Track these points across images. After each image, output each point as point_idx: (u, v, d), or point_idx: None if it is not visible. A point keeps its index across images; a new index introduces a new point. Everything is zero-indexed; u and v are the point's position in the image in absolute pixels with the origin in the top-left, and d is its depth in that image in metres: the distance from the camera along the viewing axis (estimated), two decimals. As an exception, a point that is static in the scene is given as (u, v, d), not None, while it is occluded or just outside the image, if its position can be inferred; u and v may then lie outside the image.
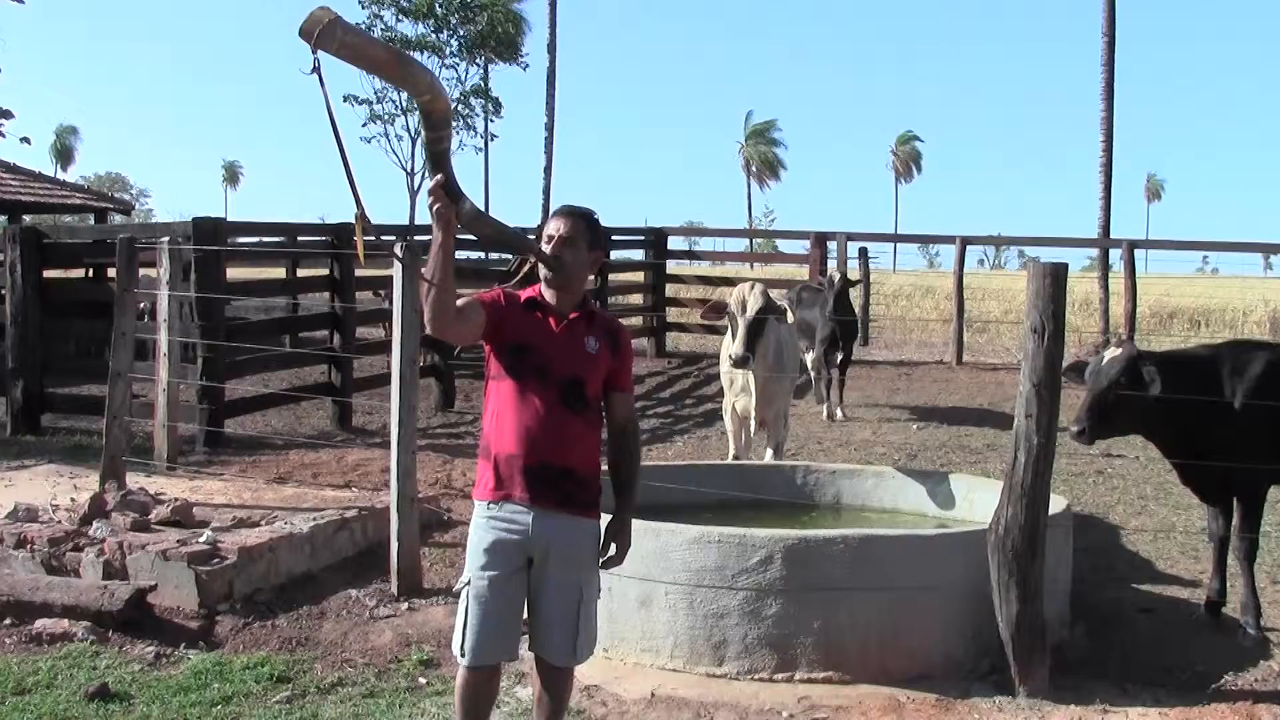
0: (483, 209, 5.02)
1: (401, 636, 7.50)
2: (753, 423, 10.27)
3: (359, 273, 15.42)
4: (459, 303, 4.91)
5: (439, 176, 4.72)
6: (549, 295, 5.18)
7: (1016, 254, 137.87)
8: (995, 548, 6.44)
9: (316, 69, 4.31)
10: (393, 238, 8.92)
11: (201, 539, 8.03)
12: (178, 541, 7.99)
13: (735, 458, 10.39)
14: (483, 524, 5.08)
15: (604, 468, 5.32)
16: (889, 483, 9.05)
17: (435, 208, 4.72)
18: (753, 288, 9.74)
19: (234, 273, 15.69)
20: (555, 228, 5.14)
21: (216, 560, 7.80)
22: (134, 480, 10.12)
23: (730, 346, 9.81)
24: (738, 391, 10.23)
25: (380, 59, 4.59)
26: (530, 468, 5.00)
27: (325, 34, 4.20)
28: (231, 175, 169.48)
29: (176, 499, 9.07)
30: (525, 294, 5.21)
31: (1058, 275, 6.27)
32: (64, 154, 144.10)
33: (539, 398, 5.03)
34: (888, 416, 16.71)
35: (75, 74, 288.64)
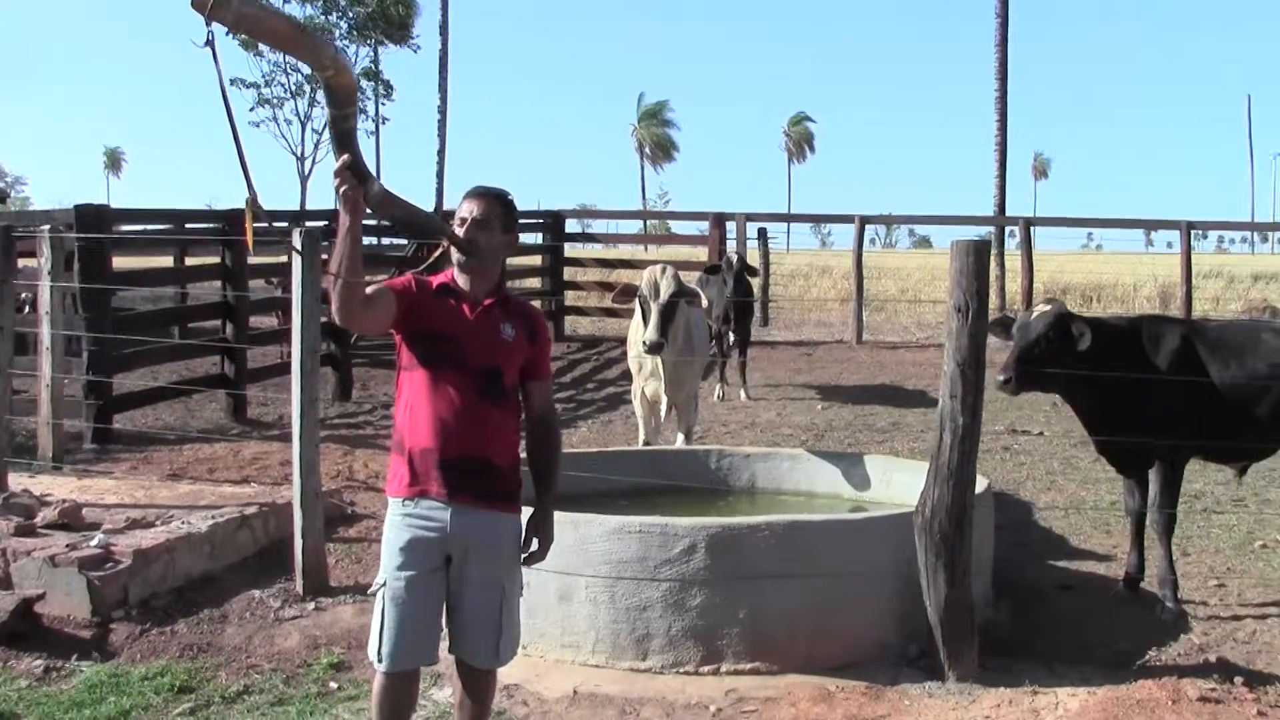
0: (392, 191, 4.74)
1: (309, 639, 7.22)
2: (663, 407, 10.07)
3: (252, 260, 15.01)
4: (368, 291, 4.66)
5: (345, 157, 4.45)
6: (462, 280, 4.93)
7: (907, 233, 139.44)
8: (922, 530, 6.31)
9: (210, 42, 4.04)
10: (285, 224, 8.58)
11: (93, 542, 7.66)
12: (67, 546, 7.61)
13: (646, 443, 10.16)
14: (398, 522, 4.83)
15: (523, 459, 5.09)
16: (804, 465, 8.91)
17: (342, 190, 4.44)
18: (664, 271, 9.50)
19: (120, 262, 15.24)
20: (468, 210, 4.89)
21: (110, 564, 7.44)
22: (17, 481, 9.70)
23: (640, 331, 9.58)
24: (647, 375, 10.00)
25: (280, 31, 4.33)
26: (447, 461, 4.77)
27: (220, 4, 3.93)
28: (114, 162, 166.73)
29: (64, 500, 8.68)
30: (437, 280, 4.96)
31: (980, 253, 6.16)
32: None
33: (454, 388, 4.79)
34: (791, 396, 16.62)
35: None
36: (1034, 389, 7.74)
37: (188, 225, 17.69)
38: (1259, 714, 5.83)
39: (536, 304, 22.85)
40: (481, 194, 4.96)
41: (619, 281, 14.69)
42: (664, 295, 9.31)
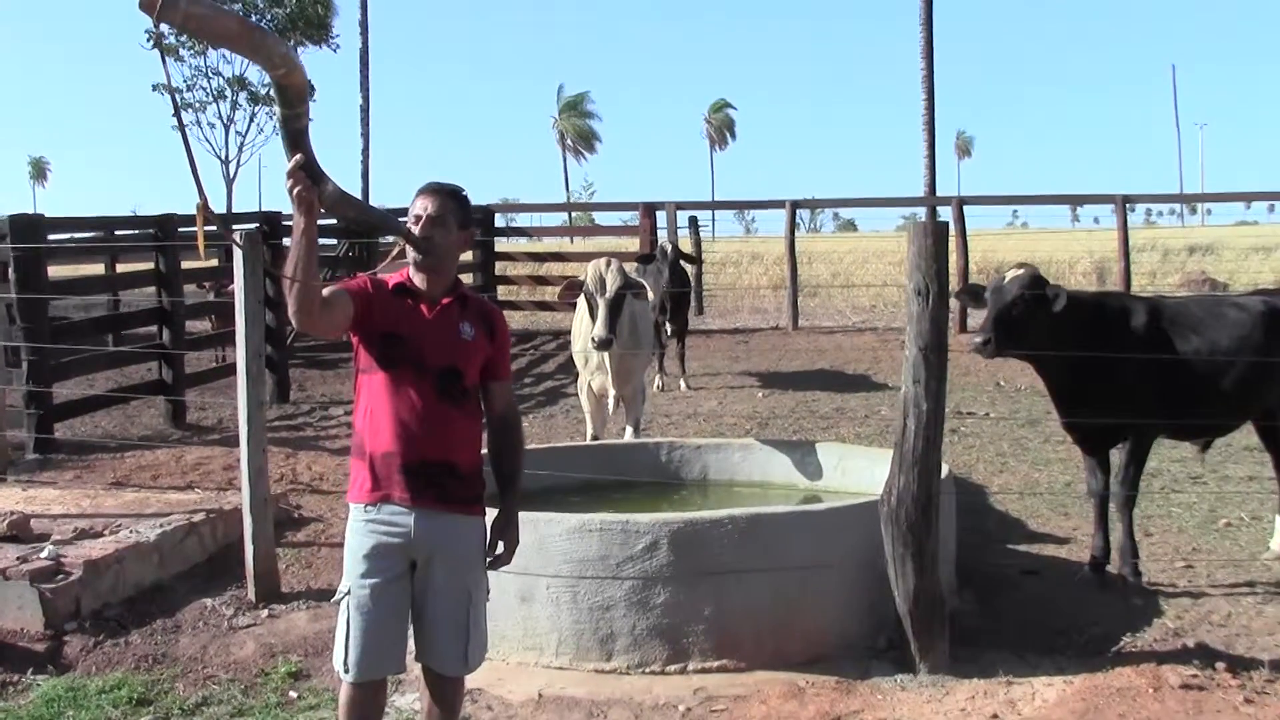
0: (346, 190, 4.62)
1: (265, 647, 7.08)
2: (610, 401, 9.97)
3: (185, 265, 14.82)
4: (324, 293, 4.54)
5: (298, 156, 4.32)
6: (419, 280, 4.82)
7: (832, 216, 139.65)
8: (889, 519, 6.24)
9: (158, 44, 3.93)
10: (244, 228, 8.40)
11: (43, 554, 7.51)
12: (17, 559, 7.44)
13: (594, 438, 10.06)
14: (360, 528, 4.71)
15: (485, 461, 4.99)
16: (756, 455, 8.84)
17: (296, 190, 4.31)
18: (609, 265, 9.35)
19: (53, 271, 15.02)
20: (422, 207, 4.78)
21: (61, 576, 7.29)
22: (-40, 495, 9.55)
23: (585, 325, 9.47)
24: (593, 369, 9.89)
25: (231, 31, 4.18)
26: (409, 465, 4.65)
27: (169, 4, 3.81)
28: (39, 171, 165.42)
29: (12, 512, 8.48)
30: (393, 279, 4.84)
31: (940, 235, 6.08)
32: None
33: (414, 390, 4.68)
34: (731, 384, 16.56)
35: None
36: (1011, 352, 7.61)
37: (117, 232, 17.51)
38: (1246, 700, 5.76)
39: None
40: (435, 190, 4.85)
41: (551, 275, 14.44)
42: (611, 290, 9.19)
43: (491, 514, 4.97)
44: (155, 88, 58.62)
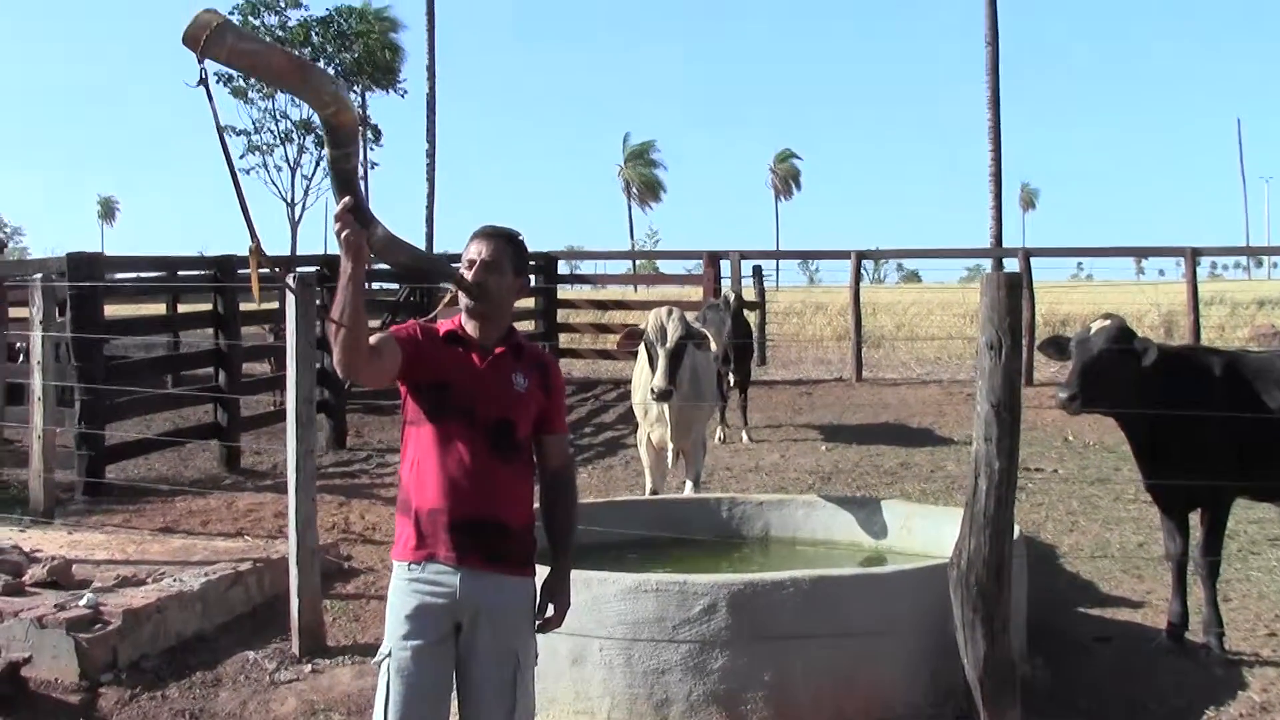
0: (397, 235, 4.41)
1: (307, 704, 6.85)
2: (669, 453, 9.72)
3: (243, 307, 14.70)
4: (371, 340, 4.32)
5: (347, 199, 4.11)
6: (471, 327, 4.60)
7: (895, 267, 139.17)
8: (958, 583, 5.94)
9: (204, 80, 3.73)
10: (298, 271, 8.23)
11: (82, 601, 7.33)
12: (55, 606, 7.27)
13: (653, 491, 9.81)
14: (403, 587, 4.47)
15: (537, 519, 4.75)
16: (820, 512, 8.57)
17: (344, 234, 4.08)
18: (670, 314, 9.11)
19: (113, 309, 14.96)
20: (476, 251, 4.57)
21: (99, 625, 7.10)
22: (7, 535, 9.37)
23: (646, 375, 9.21)
24: (652, 421, 9.64)
25: (280, 67, 3.98)
26: (456, 523, 4.41)
27: (214, 40, 3.62)
28: (108, 211, 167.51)
29: (54, 557, 8.32)
30: (444, 327, 4.62)
31: (1013, 286, 5.77)
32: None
33: (464, 443, 4.44)
34: (794, 437, 16.31)
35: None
36: (1097, 408, 7.32)
37: (179, 272, 17.44)
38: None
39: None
40: (490, 234, 4.64)
41: (613, 323, 14.14)
42: (672, 339, 8.94)
43: (543, 573, 4.72)
44: (224, 128, 59.08)
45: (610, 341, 21.25)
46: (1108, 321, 7.19)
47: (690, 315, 10.34)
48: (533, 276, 23.28)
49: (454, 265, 4.69)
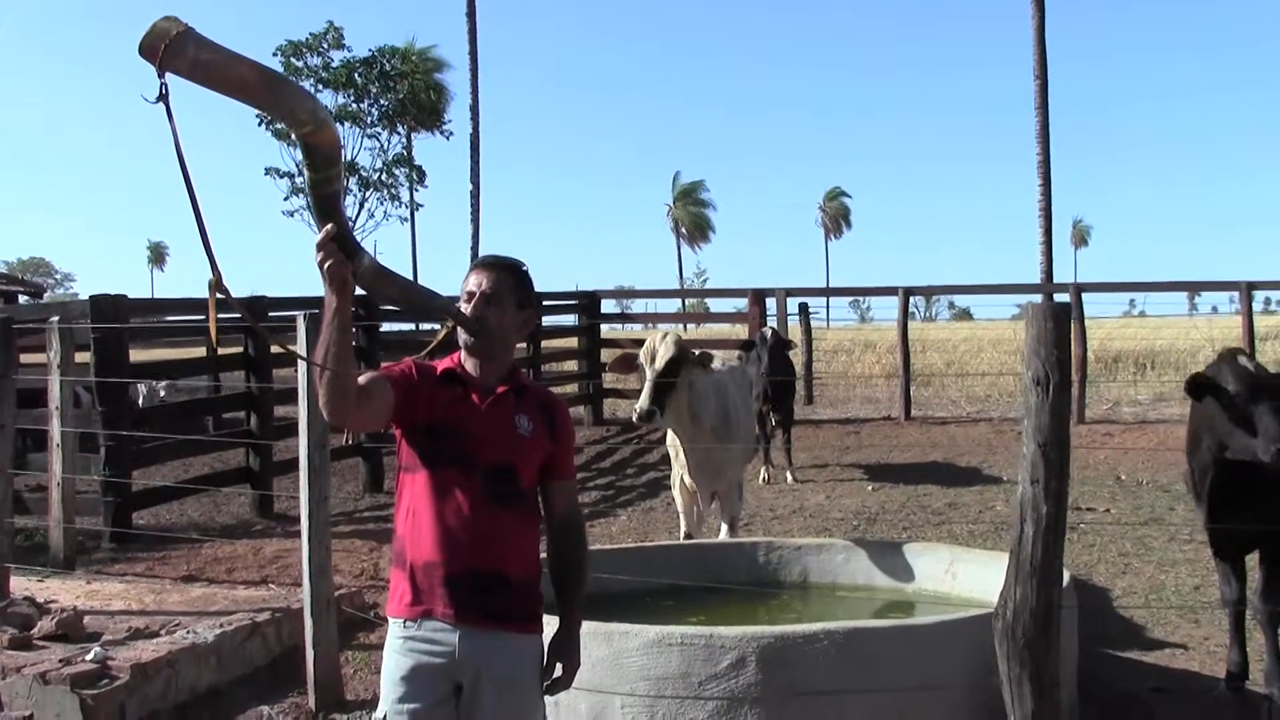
0: (386, 265, 4.07)
1: (318, 763, 6.55)
2: (703, 496, 9.37)
3: (274, 349, 14.43)
4: (360, 380, 3.98)
5: (329, 226, 3.76)
6: (470, 366, 4.26)
7: (947, 305, 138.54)
8: (1004, 635, 5.56)
9: (163, 96, 3.40)
10: (309, 314, 7.92)
11: (89, 656, 7.02)
12: (61, 661, 6.95)
13: (688, 535, 9.44)
14: (398, 646, 4.13)
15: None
16: (860, 557, 8.20)
17: (327, 265, 3.75)
18: (664, 337, 8.75)
19: (149, 354, 14.79)
20: (475, 283, 4.23)
21: (105, 681, 6.78)
22: (26, 585, 9.13)
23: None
24: (684, 463, 9.29)
25: (247, 81, 3.57)
26: (454, 576, 4.06)
27: (174, 50, 3.30)
28: (157, 256, 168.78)
29: (65, 609, 8.04)
30: (441, 365, 4.28)
31: (1060, 318, 5.41)
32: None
33: (462, 491, 4.10)
34: (840, 478, 15.98)
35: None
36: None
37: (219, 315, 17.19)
38: None
39: (574, 388, 22.49)
40: (490, 264, 4.31)
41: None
42: (660, 361, 8.55)
43: (551, 628, 4.38)
44: (267, 171, 59.30)
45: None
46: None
47: (728, 355, 10.01)
48: (577, 315, 23.06)
49: (452, 299, 4.35)
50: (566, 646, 4.35)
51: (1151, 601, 9.10)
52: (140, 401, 16.69)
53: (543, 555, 4.38)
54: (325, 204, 3.85)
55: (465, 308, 4.21)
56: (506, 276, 4.28)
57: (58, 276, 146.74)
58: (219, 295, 3.70)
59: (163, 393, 18.47)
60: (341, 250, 3.77)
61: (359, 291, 3.97)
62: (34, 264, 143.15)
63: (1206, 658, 7.73)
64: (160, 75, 3.35)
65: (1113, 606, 9.06)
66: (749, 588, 7.99)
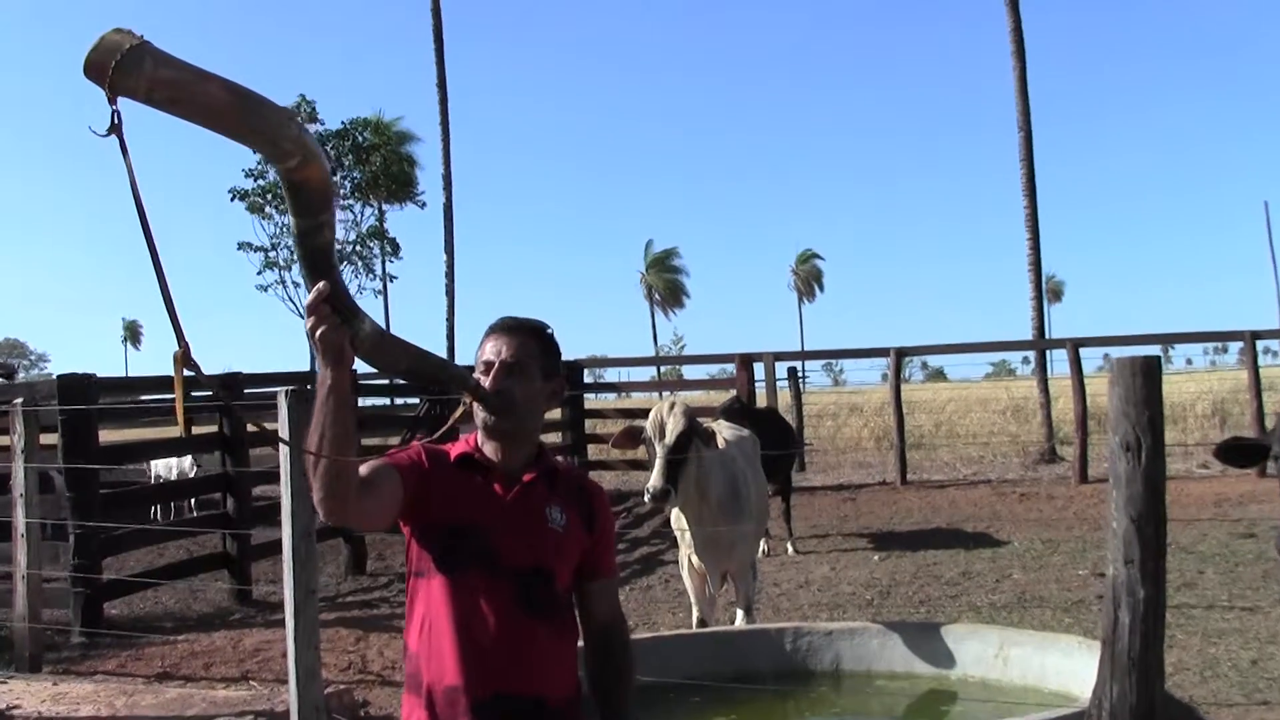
0: (388, 329, 3.38)
1: None
2: (712, 578, 8.64)
3: (251, 427, 13.76)
4: (362, 471, 3.28)
5: (321, 284, 3.03)
6: (490, 449, 3.57)
7: (920, 365, 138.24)
8: (1098, 740, 4.89)
9: (116, 127, 2.70)
10: (289, 390, 7.21)
11: (52, 778, 6.33)
12: (20, 785, 6.27)
13: (701, 622, 8.68)
14: (416, 788, 3.43)
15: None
16: (897, 641, 7.47)
17: (319, 333, 3.02)
18: (671, 407, 8.05)
19: (123, 434, 14.14)
20: (494, 350, 3.56)
21: (70, 807, 6.10)
22: (-15, 689, 8.42)
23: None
24: (690, 543, 8.56)
25: (218, 103, 2.81)
26: (482, 703, 3.36)
27: (127, 67, 2.60)
28: (133, 334, 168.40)
29: (27, 717, 7.35)
30: (455, 449, 3.59)
31: (1150, 372, 4.74)
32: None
33: (487, 599, 3.40)
34: (842, 547, 15.38)
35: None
36: None
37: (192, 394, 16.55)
38: None
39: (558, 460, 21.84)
40: (511, 328, 3.62)
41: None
42: (671, 435, 7.89)
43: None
44: (240, 246, 58.91)
45: (642, 451, 20.31)
46: None
47: (723, 425, 9.30)
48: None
49: (468, 370, 3.66)
50: (617, 779, 3.64)
51: (1207, 677, 8.39)
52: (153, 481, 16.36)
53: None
54: (316, 258, 3.09)
55: (483, 380, 3.54)
56: (530, 341, 3.62)
57: (32, 357, 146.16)
58: (187, 372, 2.98)
59: (192, 472, 18.03)
60: (337, 314, 3.06)
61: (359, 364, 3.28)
62: (8, 346, 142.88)
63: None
64: (111, 101, 2.65)
65: (1167, 687, 8.35)
66: (779, 674, 7.31)
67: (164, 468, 18.66)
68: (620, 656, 3.75)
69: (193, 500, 16.54)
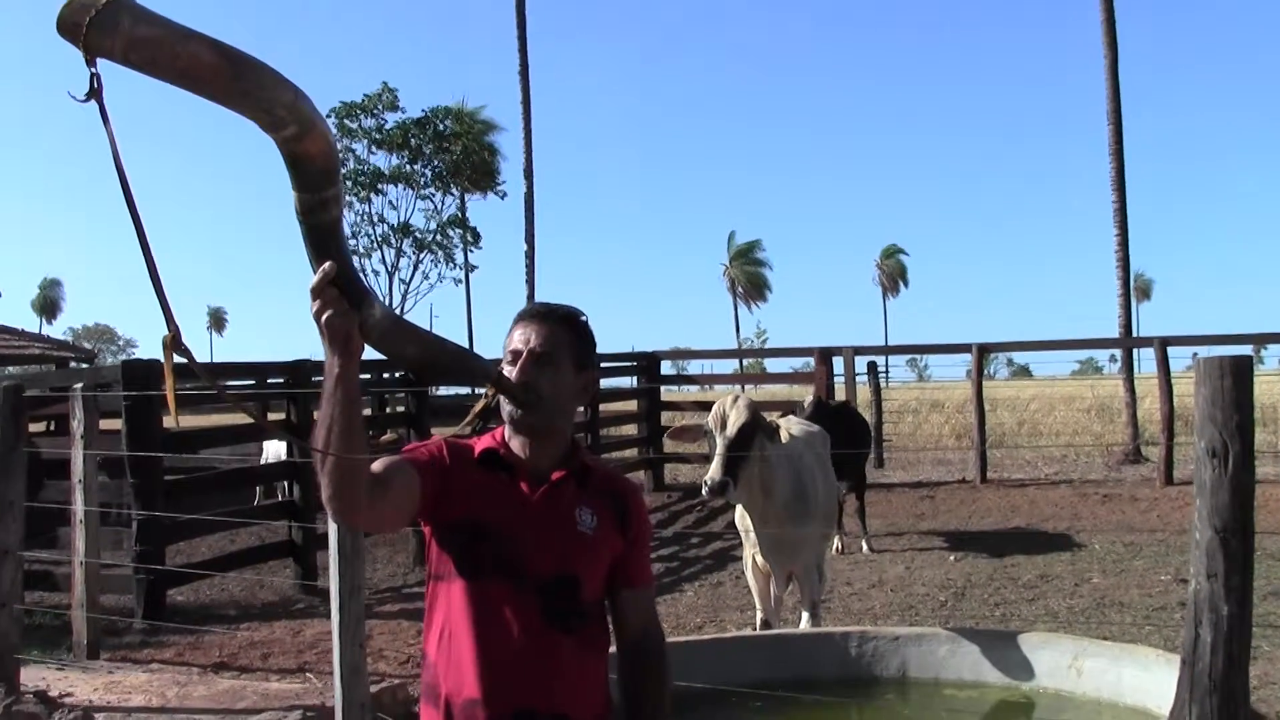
0: (405, 317, 3.11)
1: None
2: (777, 578, 8.37)
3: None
4: (375, 468, 3.02)
5: (327, 265, 2.76)
6: (517, 445, 3.30)
7: (1005, 362, 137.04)
8: (1176, 765, 4.57)
9: (96, 91, 2.46)
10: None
11: (89, 771, 6.18)
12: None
13: (765, 623, 8.41)
14: (432, 807, 3.19)
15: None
16: (967, 649, 7.17)
17: (325, 317, 2.77)
18: (734, 400, 7.78)
19: (197, 420, 14.07)
20: (523, 339, 3.28)
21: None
22: (43, 675, 8.43)
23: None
24: (754, 542, 8.29)
25: (202, 64, 2.51)
26: (501, 717, 3.12)
27: (102, 24, 2.33)
28: (217, 321, 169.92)
29: (78, 705, 7.24)
30: (480, 444, 3.32)
31: (1240, 373, 4.39)
32: (48, 307, 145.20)
33: (511, 609, 3.13)
34: (918, 546, 15.06)
35: (61, 227, 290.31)
36: None
37: (268, 380, 16.47)
38: None
39: (633, 452, 21.55)
40: (541, 315, 3.34)
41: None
42: (732, 427, 7.62)
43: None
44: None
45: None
46: None
47: (790, 420, 9.02)
48: (635, 377, 22.18)
49: (494, 361, 3.40)
50: (647, 805, 3.37)
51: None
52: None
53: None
54: (320, 235, 2.83)
55: (510, 370, 3.27)
56: (562, 331, 3.33)
57: (120, 343, 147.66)
58: (178, 358, 2.73)
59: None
60: (344, 297, 2.81)
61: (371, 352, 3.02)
62: (98, 330, 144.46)
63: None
64: (90, 63, 2.42)
65: (1250, 703, 8.00)
66: (843, 681, 7.05)
67: (272, 453, 18.51)
68: (654, 669, 3.45)
69: (287, 484, 16.39)
